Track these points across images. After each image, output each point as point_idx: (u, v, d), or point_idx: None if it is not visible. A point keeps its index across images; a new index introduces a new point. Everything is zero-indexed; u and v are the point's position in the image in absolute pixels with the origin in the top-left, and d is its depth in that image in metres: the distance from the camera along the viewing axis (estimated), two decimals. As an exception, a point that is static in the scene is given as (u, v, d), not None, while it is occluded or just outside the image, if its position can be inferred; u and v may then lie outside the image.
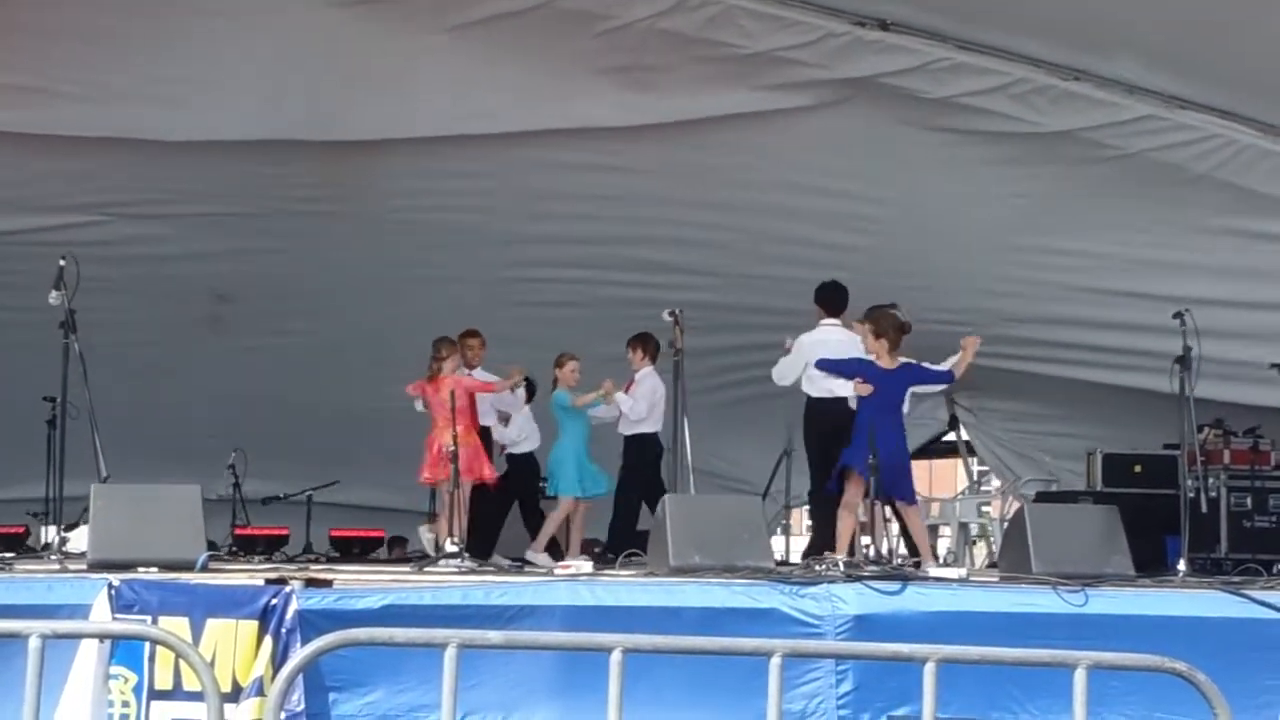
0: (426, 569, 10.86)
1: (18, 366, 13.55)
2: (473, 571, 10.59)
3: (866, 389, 11.38)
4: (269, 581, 9.27)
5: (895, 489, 11.42)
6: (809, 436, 12.20)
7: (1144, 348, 12.76)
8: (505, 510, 13.04)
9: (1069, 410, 16.44)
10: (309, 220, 13.92)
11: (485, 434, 12.77)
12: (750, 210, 13.88)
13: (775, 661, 5.88)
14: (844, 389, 11.62)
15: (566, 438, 12.58)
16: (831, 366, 11.64)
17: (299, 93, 12.45)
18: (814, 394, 12.00)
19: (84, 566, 9.82)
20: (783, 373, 12.17)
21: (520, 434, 13.17)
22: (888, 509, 11.76)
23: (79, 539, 11.68)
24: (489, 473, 12.21)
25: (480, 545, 12.06)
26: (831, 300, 12.32)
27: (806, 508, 17.67)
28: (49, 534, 12.26)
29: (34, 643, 5.55)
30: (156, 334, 15.03)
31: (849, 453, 11.29)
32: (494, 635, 6.18)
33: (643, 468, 12.67)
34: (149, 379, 15.28)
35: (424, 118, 12.79)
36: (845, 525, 11.37)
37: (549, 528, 12.53)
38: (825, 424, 11.94)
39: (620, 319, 13.95)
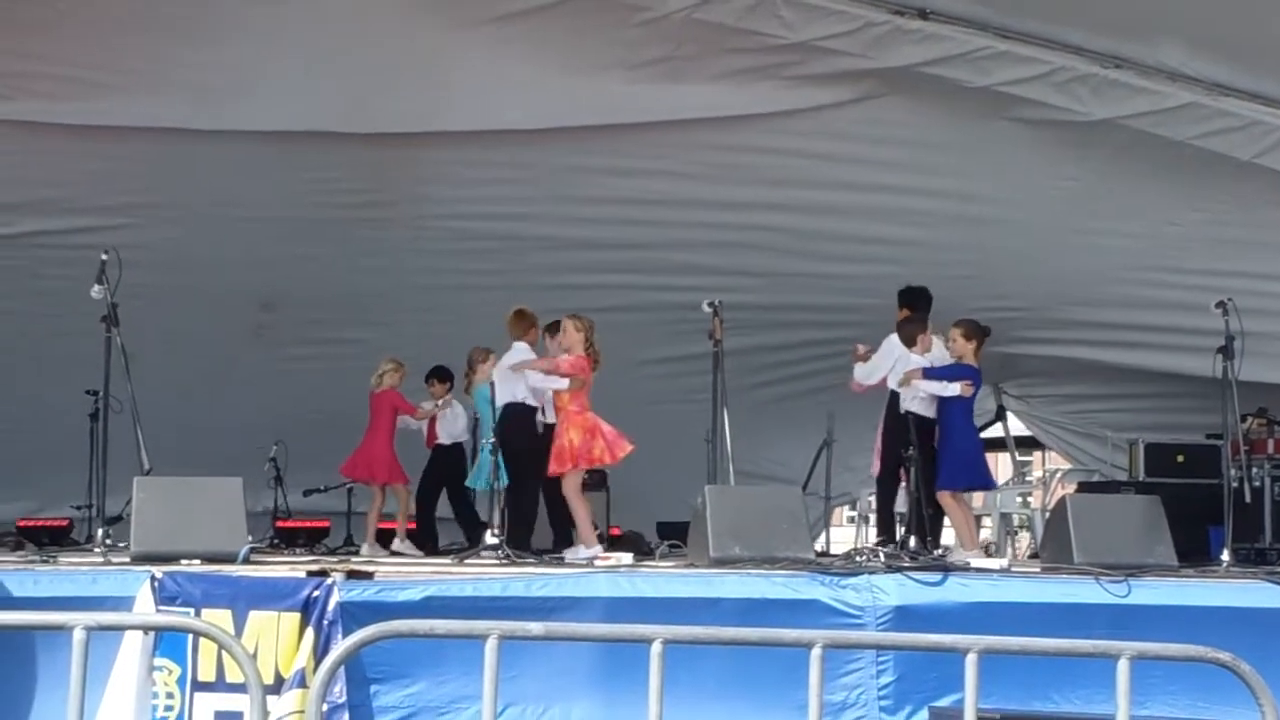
0: (467, 560, 10.88)
1: (59, 373, 13.61)
2: (512, 563, 10.62)
3: (971, 389, 11.86)
4: (310, 574, 9.30)
5: (986, 479, 12.52)
6: (894, 433, 12.21)
7: (1197, 326, 12.63)
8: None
9: (1123, 388, 16.36)
10: (351, 227, 13.92)
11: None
12: (794, 209, 13.81)
13: (816, 653, 5.86)
14: (946, 391, 11.85)
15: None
16: (938, 374, 11.90)
17: (338, 83, 12.45)
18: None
19: (127, 559, 9.87)
20: (870, 371, 12.33)
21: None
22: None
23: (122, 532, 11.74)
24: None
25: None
26: (918, 302, 12.57)
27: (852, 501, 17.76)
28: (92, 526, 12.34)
29: (78, 635, 5.58)
30: (200, 343, 15.01)
31: (955, 474, 11.83)
32: (534, 626, 6.17)
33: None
34: (192, 388, 15.24)
35: (462, 111, 12.76)
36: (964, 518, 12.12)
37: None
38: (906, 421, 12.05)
39: (665, 322, 13.94)
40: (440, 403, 13.75)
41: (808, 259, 14.34)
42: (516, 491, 12.06)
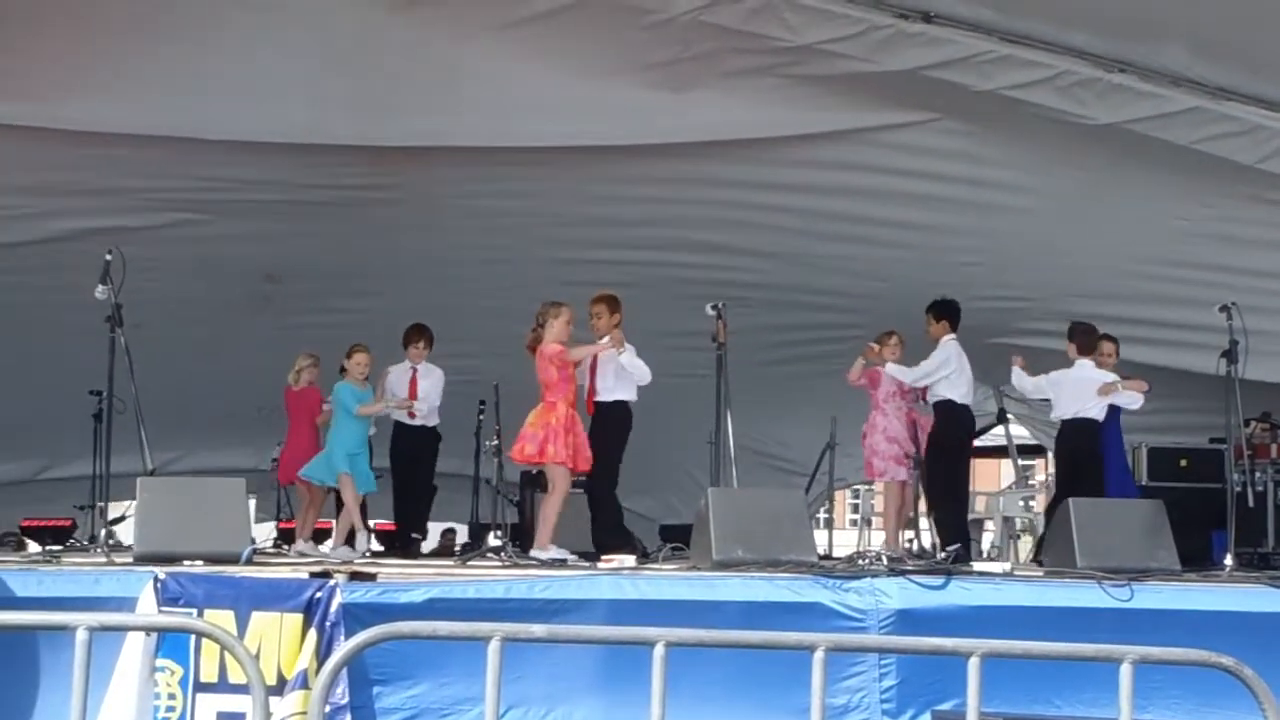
0: (470, 562, 10.88)
1: (67, 350, 13.64)
2: (515, 565, 10.61)
3: None
4: (313, 575, 9.32)
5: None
6: (944, 444, 12.71)
7: (1202, 323, 12.63)
8: None
9: None
10: (360, 207, 13.86)
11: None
12: (806, 190, 13.77)
13: (818, 656, 5.86)
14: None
15: (347, 430, 12.15)
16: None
17: (342, 96, 12.39)
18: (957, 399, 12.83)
19: (130, 559, 9.88)
20: (923, 375, 12.79)
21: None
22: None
23: (125, 532, 11.76)
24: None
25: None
26: (954, 316, 13.00)
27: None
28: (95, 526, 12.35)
29: (81, 635, 5.58)
30: (206, 312, 15.07)
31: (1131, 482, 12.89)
32: (537, 629, 6.17)
33: (427, 460, 13.07)
34: (198, 355, 15.39)
35: (473, 126, 12.69)
36: None
37: (354, 518, 12.16)
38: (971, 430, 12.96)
39: (676, 298, 13.90)
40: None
41: (817, 240, 14.31)
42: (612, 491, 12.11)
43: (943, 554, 11.34)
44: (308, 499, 12.94)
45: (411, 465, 13.07)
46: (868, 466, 12.91)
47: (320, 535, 13.66)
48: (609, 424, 11.91)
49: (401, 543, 13.27)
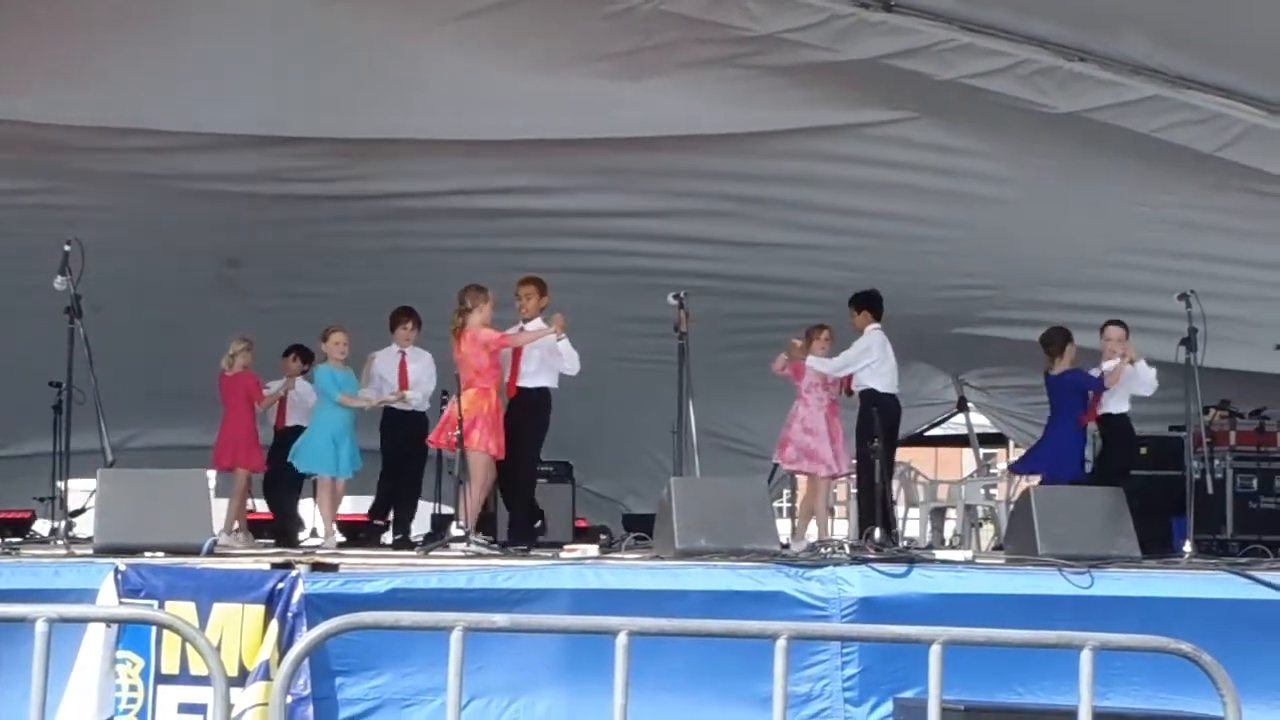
0: (432, 553, 10.87)
1: (24, 327, 13.58)
2: (478, 555, 10.60)
3: None
4: (275, 565, 9.29)
5: None
6: (864, 429, 12.54)
7: (1164, 309, 12.66)
8: None
9: None
10: (321, 199, 13.82)
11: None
12: (772, 180, 13.75)
13: (781, 644, 5.87)
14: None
15: (329, 414, 12.06)
16: None
17: (303, 89, 12.34)
18: (881, 388, 12.59)
19: (90, 551, 9.83)
20: (844, 365, 12.69)
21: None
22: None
23: (85, 524, 11.70)
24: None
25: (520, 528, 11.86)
26: (877, 306, 12.88)
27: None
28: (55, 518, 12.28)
29: (40, 627, 5.56)
30: (167, 295, 15.02)
31: None
32: (500, 618, 6.17)
33: (419, 455, 12.89)
34: (158, 336, 15.34)
35: (433, 118, 12.65)
36: None
37: (324, 512, 12.19)
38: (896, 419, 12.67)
39: (641, 287, 13.92)
40: (285, 383, 13.38)
41: (784, 229, 14.31)
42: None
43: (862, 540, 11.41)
44: (242, 487, 12.89)
45: (405, 460, 12.80)
46: (780, 452, 12.95)
47: (253, 526, 13.68)
48: (530, 410, 11.85)
49: (367, 532, 13.20)
